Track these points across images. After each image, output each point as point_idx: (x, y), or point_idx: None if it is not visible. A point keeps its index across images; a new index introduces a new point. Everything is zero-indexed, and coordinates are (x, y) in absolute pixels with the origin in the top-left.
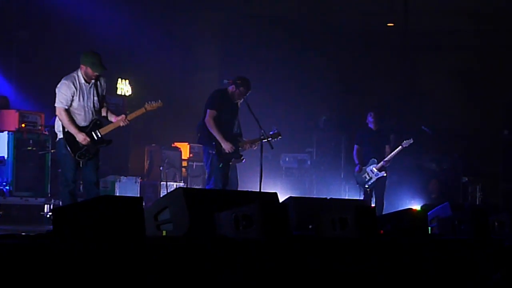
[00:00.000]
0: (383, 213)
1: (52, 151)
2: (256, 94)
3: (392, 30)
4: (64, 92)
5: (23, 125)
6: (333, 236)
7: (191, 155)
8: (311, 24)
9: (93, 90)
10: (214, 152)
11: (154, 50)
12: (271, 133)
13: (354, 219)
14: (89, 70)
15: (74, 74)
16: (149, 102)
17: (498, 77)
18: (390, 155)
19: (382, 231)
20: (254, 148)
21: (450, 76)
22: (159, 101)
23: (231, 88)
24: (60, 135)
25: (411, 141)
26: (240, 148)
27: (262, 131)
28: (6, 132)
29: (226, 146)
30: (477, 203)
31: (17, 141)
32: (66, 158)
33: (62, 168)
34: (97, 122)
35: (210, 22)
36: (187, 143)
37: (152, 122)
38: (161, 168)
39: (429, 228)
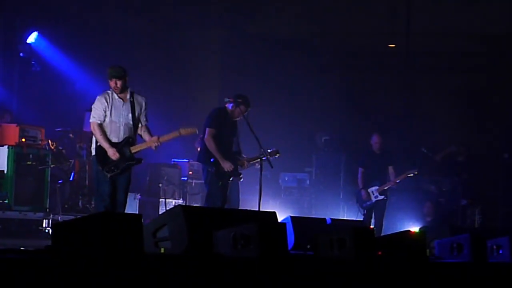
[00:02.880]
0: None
1: (52, 166)
2: (256, 113)
3: (393, 51)
4: (97, 107)
5: (23, 139)
6: (331, 256)
7: (190, 172)
8: (312, 44)
9: (129, 106)
10: (213, 171)
11: (155, 67)
12: (269, 151)
13: (353, 240)
14: (110, 83)
15: (109, 90)
16: (184, 127)
17: (499, 99)
18: (393, 181)
19: (380, 253)
20: (257, 166)
21: (451, 98)
22: (195, 129)
23: (230, 107)
24: (93, 152)
25: (416, 171)
26: (239, 167)
27: (262, 149)
28: (6, 146)
29: (225, 165)
30: (476, 226)
31: (17, 156)
32: (99, 174)
33: (97, 184)
34: (130, 139)
35: (211, 40)
36: (186, 161)
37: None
38: (160, 185)
39: (428, 250)
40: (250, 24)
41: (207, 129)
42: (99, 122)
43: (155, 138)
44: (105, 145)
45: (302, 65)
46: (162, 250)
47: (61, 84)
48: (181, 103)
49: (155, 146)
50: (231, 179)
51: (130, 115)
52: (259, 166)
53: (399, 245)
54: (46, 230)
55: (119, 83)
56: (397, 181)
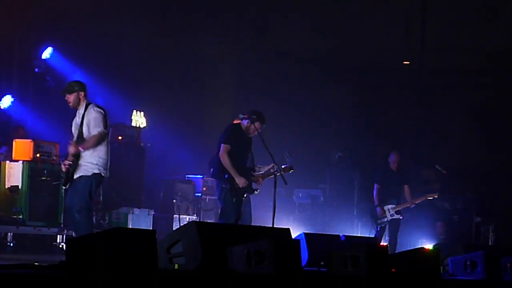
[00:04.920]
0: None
1: None
2: (271, 129)
3: (408, 68)
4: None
5: (38, 155)
6: (344, 273)
7: (204, 188)
8: (327, 61)
9: (80, 120)
10: (227, 187)
11: (170, 83)
12: (283, 166)
13: (366, 257)
14: None
15: None
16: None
17: None
18: (411, 202)
19: (394, 270)
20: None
21: (466, 114)
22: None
23: (245, 123)
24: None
25: (436, 195)
26: (253, 183)
27: (276, 165)
28: (21, 161)
29: (240, 181)
30: (490, 243)
31: (32, 171)
32: None
33: None
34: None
35: (226, 57)
36: (200, 177)
37: (166, 155)
38: (174, 200)
39: (441, 268)
40: (264, 41)
41: (222, 145)
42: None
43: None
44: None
45: (317, 81)
46: (176, 266)
47: None
48: (195, 119)
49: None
50: (245, 195)
51: (78, 127)
52: (273, 176)
53: (413, 262)
54: (60, 246)
55: (70, 97)
56: (416, 202)
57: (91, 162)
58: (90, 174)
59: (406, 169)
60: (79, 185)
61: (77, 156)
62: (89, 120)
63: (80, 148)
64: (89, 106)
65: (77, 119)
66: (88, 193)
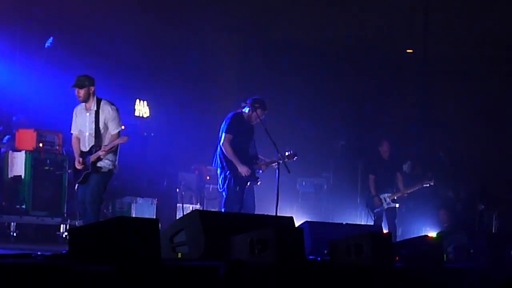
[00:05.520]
0: (396, 240)
1: (69, 171)
2: (274, 118)
3: (411, 56)
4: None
5: (40, 144)
6: (348, 262)
7: (207, 177)
8: (330, 50)
9: (93, 116)
10: (230, 176)
11: (173, 72)
12: (287, 153)
13: (370, 245)
14: None
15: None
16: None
17: None
18: (408, 190)
19: (397, 258)
20: (275, 167)
21: (469, 103)
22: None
23: (247, 111)
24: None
25: (432, 182)
26: (256, 171)
27: (279, 154)
28: (24, 151)
29: (243, 170)
30: (493, 231)
31: (34, 161)
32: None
33: None
34: (92, 149)
35: (229, 46)
36: (204, 166)
37: (169, 144)
38: (177, 189)
39: (445, 255)
40: (267, 30)
41: (224, 134)
42: (73, 133)
43: (103, 147)
44: (75, 155)
45: (320, 70)
46: (179, 255)
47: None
48: (199, 108)
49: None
50: (248, 183)
51: (93, 125)
52: (277, 166)
53: (416, 250)
54: (64, 235)
55: (81, 92)
56: (412, 190)
57: (108, 159)
58: (106, 170)
59: (397, 157)
60: (95, 179)
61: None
62: (106, 119)
63: (108, 151)
64: (102, 103)
65: (88, 115)
66: (103, 187)
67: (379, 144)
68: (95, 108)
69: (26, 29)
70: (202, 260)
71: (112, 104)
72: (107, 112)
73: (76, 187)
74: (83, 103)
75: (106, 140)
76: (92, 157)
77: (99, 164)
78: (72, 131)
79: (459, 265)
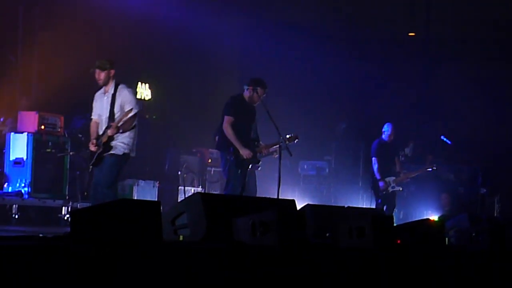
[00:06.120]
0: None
1: (71, 153)
2: (275, 101)
3: (413, 39)
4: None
5: (42, 126)
6: (350, 244)
7: (209, 160)
8: (332, 32)
9: (109, 99)
10: (232, 158)
11: (174, 54)
12: (288, 136)
13: (372, 228)
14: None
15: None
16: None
17: None
18: (412, 174)
19: (399, 241)
20: (275, 157)
21: (471, 85)
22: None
23: (247, 93)
24: None
25: (435, 167)
26: (258, 154)
27: (281, 137)
28: (26, 133)
29: (244, 152)
30: (495, 215)
31: (36, 143)
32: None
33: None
34: (106, 130)
35: (232, 28)
36: (206, 148)
37: (171, 127)
38: (179, 172)
39: (446, 238)
40: (269, 12)
41: (225, 117)
42: (92, 118)
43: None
44: (91, 138)
45: (322, 52)
46: (181, 238)
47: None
48: (201, 90)
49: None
50: (250, 166)
51: (109, 107)
52: (277, 155)
53: (418, 234)
54: (65, 218)
55: (101, 74)
56: (413, 175)
57: (123, 142)
58: (121, 153)
59: (399, 141)
60: (109, 162)
61: (111, 137)
62: (123, 101)
63: (121, 130)
64: (119, 86)
65: (104, 98)
66: (116, 171)
67: (385, 126)
68: (112, 91)
69: (26, 10)
70: (203, 242)
71: (130, 87)
72: (124, 95)
73: (90, 170)
74: (102, 88)
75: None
76: (104, 137)
77: (112, 143)
78: (92, 117)
79: (461, 249)
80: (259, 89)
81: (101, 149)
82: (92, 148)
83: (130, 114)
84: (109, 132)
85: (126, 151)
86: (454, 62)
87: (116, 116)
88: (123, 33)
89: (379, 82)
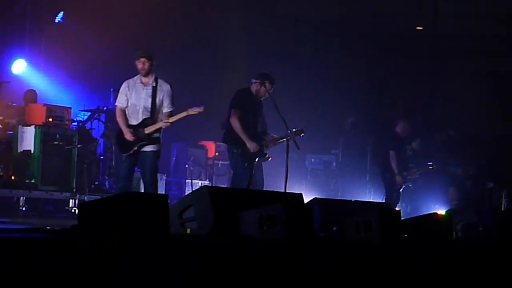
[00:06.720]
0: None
1: (78, 146)
2: (283, 95)
3: (421, 34)
4: (121, 91)
5: (50, 119)
6: (357, 238)
7: (216, 153)
8: (340, 26)
9: (150, 91)
10: (239, 152)
11: (181, 48)
12: (294, 130)
13: (379, 222)
14: (137, 64)
15: (135, 76)
16: (192, 107)
17: None
18: (419, 170)
19: (406, 235)
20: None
21: (479, 80)
22: (202, 106)
23: (255, 86)
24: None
25: (433, 165)
26: (265, 147)
27: (288, 131)
28: (33, 126)
29: (251, 146)
30: (503, 209)
31: (44, 135)
32: (117, 155)
33: (115, 165)
34: (145, 121)
35: (239, 22)
36: (213, 142)
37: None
38: (186, 165)
39: (454, 233)
40: (277, 6)
41: (232, 110)
42: (120, 105)
43: (165, 118)
44: (122, 127)
45: (329, 47)
46: (188, 231)
47: (89, 63)
48: (208, 84)
49: (165, 126)
50: (257, 159)
51: (150, 99)
52: (285, 141)
53: (425, 228)
54: (73, 210)
55: (147, 64)
56: (420, 171)
57: (159, 137)
58: (157, 149)
59: (410, 138)
60: (151, 160)
61: (159, 130)
62: (164, 96)
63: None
64: (159, 80)
65: (145, 89)
66: (157, 167)
67: (398, 122)
68: (153, 84)
69: (34, 2)
70: (211, 236)
71: (169, 83)
72: (166, 90)
73: (124, 159)
74: (136, 77)
75: (158, 116)
76: (152, 127)
77: (155, 135)
78: (117, 103)
79: (468, 243)
80: (267, 84)
81: (145, 141)
82: (131, 138)
83: (184, 114)
84: (163, 125)
85: (160, 146)
86: (462, 57)
87: (157, 107)
88: (130, 26)
89: (387, 77)
